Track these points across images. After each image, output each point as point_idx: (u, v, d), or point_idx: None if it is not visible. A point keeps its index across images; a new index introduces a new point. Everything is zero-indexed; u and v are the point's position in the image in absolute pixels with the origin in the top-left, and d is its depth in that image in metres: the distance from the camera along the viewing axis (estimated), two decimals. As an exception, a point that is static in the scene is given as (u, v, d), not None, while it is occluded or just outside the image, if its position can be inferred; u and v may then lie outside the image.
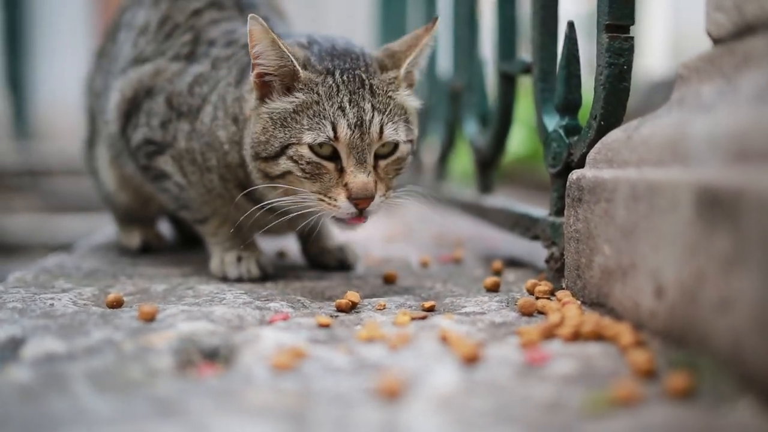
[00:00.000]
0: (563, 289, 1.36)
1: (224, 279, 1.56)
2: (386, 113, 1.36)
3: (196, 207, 1.61)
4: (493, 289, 1.46)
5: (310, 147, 1.33)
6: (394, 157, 1.39)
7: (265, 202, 1.42)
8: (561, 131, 1.46)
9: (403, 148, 1.40)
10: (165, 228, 2.14)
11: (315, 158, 1.33)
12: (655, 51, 6.13)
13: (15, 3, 7.44)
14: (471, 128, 2.08)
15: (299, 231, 1.66)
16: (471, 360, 0.96)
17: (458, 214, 2.19)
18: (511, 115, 1.86)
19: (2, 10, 7.35)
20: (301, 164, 1.34)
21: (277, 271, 1.61)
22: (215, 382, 0.91)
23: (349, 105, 1.33)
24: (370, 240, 2.17)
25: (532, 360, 0.98)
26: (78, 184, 5.72)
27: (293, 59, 1.34)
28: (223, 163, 1.51)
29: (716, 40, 1.13)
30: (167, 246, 1.97)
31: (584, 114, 1.47)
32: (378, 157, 1.37)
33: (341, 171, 1.34)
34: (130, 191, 1.85)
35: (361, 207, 1.33)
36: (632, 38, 1.34)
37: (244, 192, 1.49)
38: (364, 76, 1.37)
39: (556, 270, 1.45)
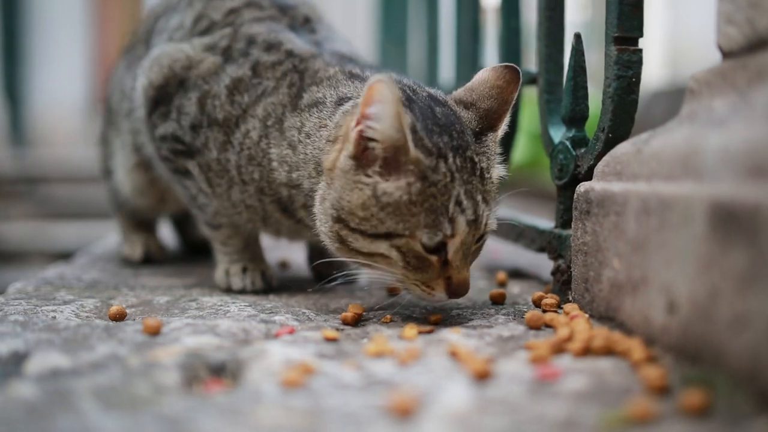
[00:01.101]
0: (570, 302, 1.35)
1: (228, 290, 1.54)
2: (490, 202, 1.25)
3: (210, 213, 1.57)
4: (499, 301, 1.45)
5: (422, 244, 1.21)
6: (482, 242, 1.29)
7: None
8: (568, 143, 1.45)
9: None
10: (166, 235, 2.13)
11: (423, 253, 1.21)
12: (652, 61, 6.15)
13: (12, 11, 7.44)
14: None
15: (314, 241, 1.62)
16: (482, 377, 0.95)
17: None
18: (516, 126, 1.85)
19: (0, 18, 7.35)
20: (408, 257, 1.21)
21: (280, 283, 1.60)
22: (224, 400, 0.89)
23: (466, 199, 1.20)
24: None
25: (543, 376, 0.97)
26: (75, 191, 5.71)
27: (409, 134, 1.18)
28: (267, 179, 1.44)
29: (727, 54, 1.12)
30: (169, 257, 1.96)
31: (589, 126, 1.47)
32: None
33: (444, 263, 1.22)
34: (148, 185, 1.80)
35: (455, 298, 1.26)
36: (641, 50, 1.34)
37: (283, 209, 1.46)
38: (476, 158, 1.24)
39: (562, 282, 1.44)
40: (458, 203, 1.20)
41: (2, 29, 7.38)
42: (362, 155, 1.22)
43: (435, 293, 1.24)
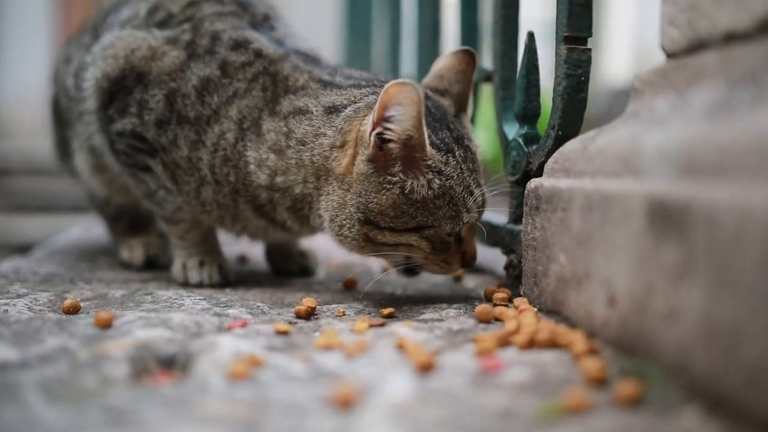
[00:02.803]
0: (521, 296, 1.38)
1: (185, 284, 1.55)
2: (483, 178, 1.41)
3: (169, 209, 1.55)
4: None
5: (447, 232, 1.34)
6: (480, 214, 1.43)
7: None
8: (520, 140, 1.48)
9: None
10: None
11: (446, 238, 1.35)
12: (618, 60, 6.23)
13: (-25, -1, 7.30)
14: (434, 134, 2.09)
15: (278, 239, 1.63)
16: (426, 368, 0.97)
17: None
18: (474, 121, 1.87)
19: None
20: (435, 243, 1.34)
21: (238, 277, 1.61)
22: (170, 392, 0.91)
23: (474, 185, 1.36)
24: (331, 246, 2.17)
25: (486, 368, 0.99)
26: (40, 184, 5.63)
27: (425, 133, 1.28)
28: (243, 181, 1.45)
29: (670, 55, 1.15)
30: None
31: (543, 123, 1.49)
32: None
33: (458, 240, 1.37)
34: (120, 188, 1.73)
35: (468, 267, 1.43)
36: (590, 50, 1.36)
37: (257, 209, 1.48)
38: (470, 145, 1.40)
39: (514, 277, 1.47)
40: (470, 192, 1.34)
41: (-35, 19, 7.25)
42: (379, 157, 1.29)
43: (452, 267, 1.39)
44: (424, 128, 1.26)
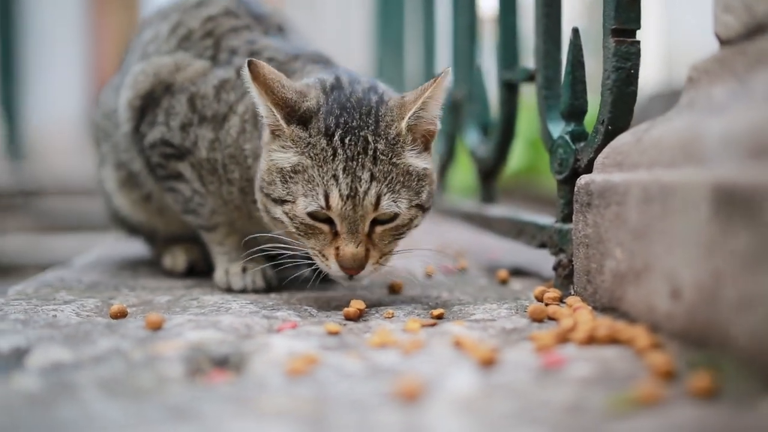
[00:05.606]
0: (572, 295, 1.34)
1: (228, 290, 1.54)
2: (386, 182, 1.28)
3: (206, 214, 1.59)
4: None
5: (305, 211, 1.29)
6: (393, 225, 1.32)
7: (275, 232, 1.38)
8: (567, 137, 1.45)
9: (405, 215, 1.31)
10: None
11: (309, 220, 1.29)
12: (648, 65, 6.17)
13: (8, 26, 7.44)
14: (472, 138, 2.07)
15: None
16: (488, 363, 0.95)
17: (459, 225, 2.18)
18: (514, 123, 1.86)
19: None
20: (295, 222, 1.30)
21: (280, 283, 1.59)
22: (228, 389, 0.89)
23: (343, 174, 1.27)
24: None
25: (548, 364, 0.96)
26: (71, 204, 5.69)
27: (278, 114, 1.30)
28: (245, 177, 1.48)
29: (725, 42, 1.13)
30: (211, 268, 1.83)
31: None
32: (376, 222, 1.31)
33: (335, 234, 1.30)
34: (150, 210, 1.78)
35: (350, 274, 1.30)
36: (638, 42, 1.34)
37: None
38: (370, 138, 1.29)
39: (564, 277, 1.43)
40: (335, 177, 1.27)
41: (-1, 44, 7.38)
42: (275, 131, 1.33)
43: (329, 264, 1.30)
44: (274, 109, 1.29)
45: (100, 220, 2.19)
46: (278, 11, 1.77)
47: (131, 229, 1.88)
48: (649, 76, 5.77)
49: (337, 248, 1.29)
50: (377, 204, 1.28)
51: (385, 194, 1.28)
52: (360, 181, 1.27)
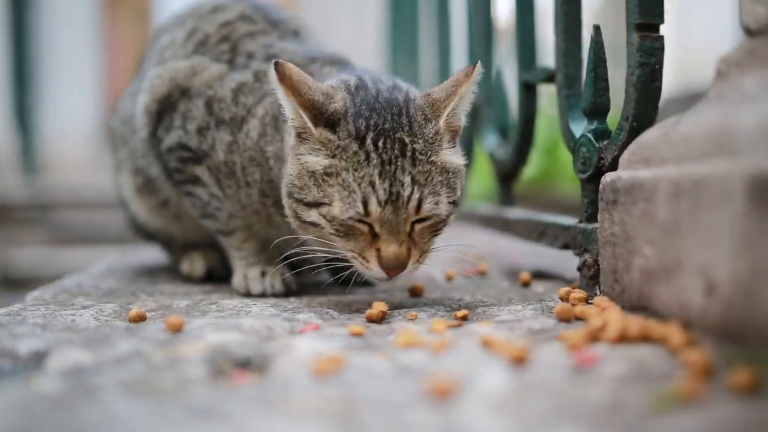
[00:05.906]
0: (598, 295, 1.32)
1: (247, 294, 1.52)
2: (427, 185, 1.25)
3: (224, 219, 1.57)
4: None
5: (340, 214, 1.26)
6: (431, 222, 1.28)
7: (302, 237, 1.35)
8: (590, 135, 1.43)
9: (443, 213, 1.28)
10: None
11: (348, 221, 1.25)
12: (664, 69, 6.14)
13: (22, 40, 7.49)
14: (491, 141, 2.05)
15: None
16: (519, 361, 0.92)
17: (477, 229, 2.15)
18: (534, 124, 1.83)
19: (10, 46, 7.40)
20: (334, 224, 1.26)
21: (299, 287, 1.57)
22: (252, 390, 0.87)
23: (380, 179, 1.22)
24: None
25: (581, 362, 0.93)
26: (85, 217, 5.71)
27: (306, 117, 1.26)
28: (266, 179, 1.46)
29: (754, 32, 1.10)
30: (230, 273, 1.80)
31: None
32: (415, 221, 1.27)
33: (375, 235, 1.26)
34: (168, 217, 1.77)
35: (393, 275, 1.27)
36: (662, 37, 1.32)
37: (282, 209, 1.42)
38: (407, 139, 1.25)
39: (589, 277, 1.40)
40: (371, 183, 1.23)
41: (12, 58, 7.43)
42: (301, 133, 1.30)
43: (371, 266, 1.26)
44: (302, 112, 1.26)
45: (114, 233, 2.17)
46: (295, 17, 1.76)
47: (149, 235, 1.87)
48: (665, 80, 5.74)
49: (378, 249, 1.25)
50: (419, 207, 1.25)
51: (426, 196, 1.25)
52: (402, 185, 1.23)
